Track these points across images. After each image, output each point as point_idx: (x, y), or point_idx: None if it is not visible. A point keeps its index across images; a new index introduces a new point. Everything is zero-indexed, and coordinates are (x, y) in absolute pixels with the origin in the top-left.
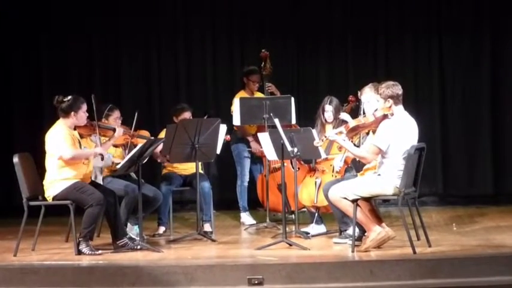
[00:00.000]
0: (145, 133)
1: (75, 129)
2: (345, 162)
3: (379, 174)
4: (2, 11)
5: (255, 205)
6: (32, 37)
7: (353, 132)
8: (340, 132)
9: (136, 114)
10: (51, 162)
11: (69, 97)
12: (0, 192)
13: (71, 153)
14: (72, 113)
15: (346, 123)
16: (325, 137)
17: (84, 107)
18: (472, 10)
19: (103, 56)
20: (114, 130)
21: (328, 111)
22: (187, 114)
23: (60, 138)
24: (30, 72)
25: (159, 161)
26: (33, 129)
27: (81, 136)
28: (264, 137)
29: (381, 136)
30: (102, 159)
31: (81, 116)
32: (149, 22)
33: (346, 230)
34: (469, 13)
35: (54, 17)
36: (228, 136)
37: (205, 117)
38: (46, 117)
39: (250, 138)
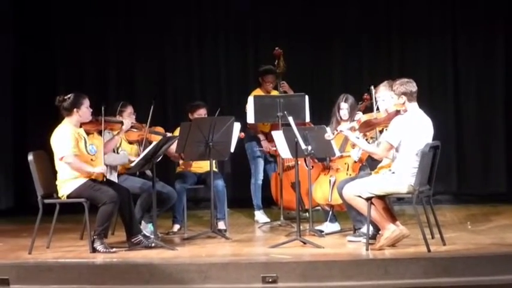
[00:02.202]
0: (160, 129)
1: (80, 126)
2: (360, 160)
3: (393, 172)
4: (17, 11)
5: (269, 203)
6: (46, 37)
7: (365, 127)
8: (354, 128)
9: (153, 102)
10: (60, 161)
11: (70, 95)
12: (15, 190)
13: (70, 158)
14: (75, 109)
15: (359, 119)
16: (337, 130)
17: (87, 102)
18: (487, 10)
19: (117, 56)
20: (121, 123)
21: (344, 109)
22: (202, 111)
23: (63, 139)
24: (44, 71)
25: (175, 159)
26: (48, 127)
27: (88, 133)
28: (278, 135)
29: (392, 132)
30: (104, 176)
31: (85, 111)
32: (163, 22)
33: (360, 228)
34: (483, 13)
35: (68, 17)
36: (243, 133)
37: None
38: (60, 115)
39: (261, 137)
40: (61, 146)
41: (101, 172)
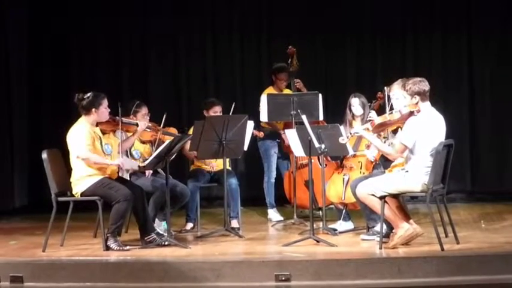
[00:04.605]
0: (173, 130)
1: (97, 125)
2: (374, 159)
3: (407, 171)
4: (32, 11)
5: (282, 201)
6: (61, 37)
7: (379, 128)
8: (367, 129)
9: (164, 116)
10: (75, 159)
11: (89, 94)
12: (29, 188)
13: (86, 154)
14: (93, 109)
15: (372, 120)
16: (351, 133)
17: (105, 102)
18: (502, 9)
19: (131, 56)
20: (137, 125)
21: (355, 105)
22: (217, 108)
23: (79, 137)
24: (59, 71)
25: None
26: (62, 126)
27: (104, 132)
28: (292, 134)
29: (407, 133)
30: (119, 170)
31: (103, 111)
32: (177, 22)
33: (373, 227)
34: (498, 12)
35: (83, 17)
36: (262, 133)
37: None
38: (74, 114)
39: (281, 131)
40: (76, 144)
41: (118, 164)
